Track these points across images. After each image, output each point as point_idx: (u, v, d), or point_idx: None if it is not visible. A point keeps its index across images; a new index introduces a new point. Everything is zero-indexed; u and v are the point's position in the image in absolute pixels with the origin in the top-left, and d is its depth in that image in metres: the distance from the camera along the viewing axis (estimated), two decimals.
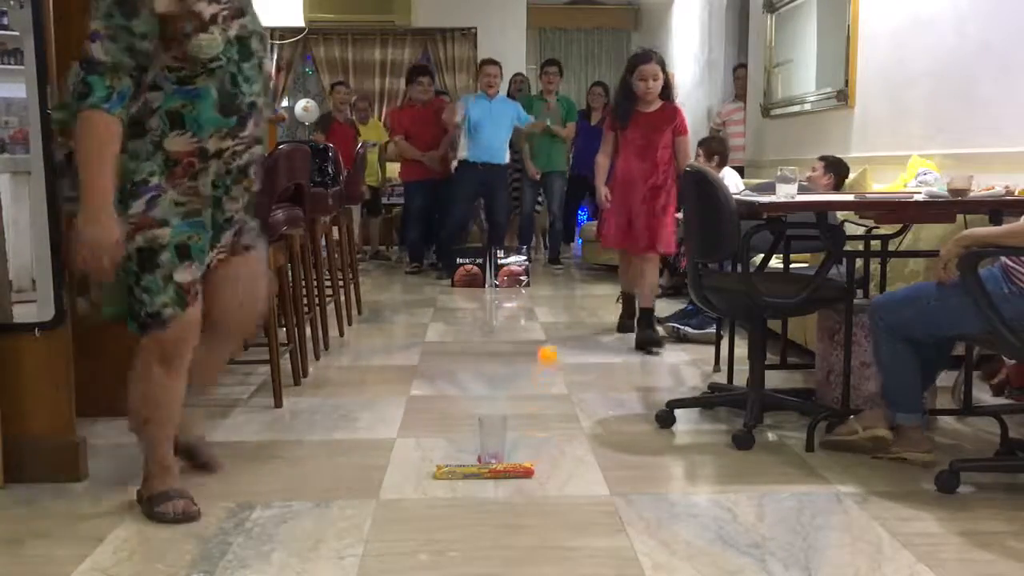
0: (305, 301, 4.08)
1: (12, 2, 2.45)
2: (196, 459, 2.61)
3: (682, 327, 4.61)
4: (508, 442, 2.76)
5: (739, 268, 3.01)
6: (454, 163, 7.10)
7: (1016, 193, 3.11)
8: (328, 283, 4.76)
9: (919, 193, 3.22)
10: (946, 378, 3.15)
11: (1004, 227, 2.52)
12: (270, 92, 2.44)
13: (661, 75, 4.40)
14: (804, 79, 6.19)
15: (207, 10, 2.15)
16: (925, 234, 3.70)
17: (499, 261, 6.66)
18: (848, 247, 3.08)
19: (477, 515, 2.35)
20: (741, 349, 3.64)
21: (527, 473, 2.61)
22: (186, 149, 2.20)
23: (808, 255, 4.10)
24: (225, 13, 2.19)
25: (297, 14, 6.99)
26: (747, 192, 3.80)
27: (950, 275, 2.48)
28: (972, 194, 3.03)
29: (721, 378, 3.74)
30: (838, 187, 4.65)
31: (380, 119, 9.23)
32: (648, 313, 4.48)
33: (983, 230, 2.52)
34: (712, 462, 2.80)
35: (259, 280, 2.50)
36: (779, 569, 2.03)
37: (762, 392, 3.10)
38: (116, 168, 2.12)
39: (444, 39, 9.80)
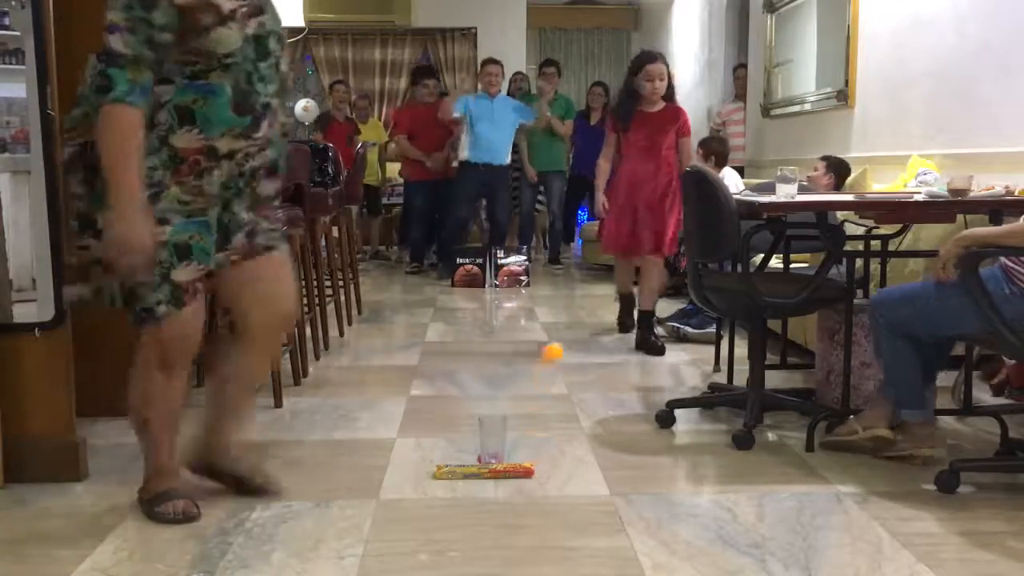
0: (305, 301, 4.08)
1: (13, 2, 2.45)
2: (246, 487, 2.45)
3: (682, 327, 4.61)
4: (508, 442, 2.76)
5: (739, 268, 3.01)
6: (455, 163, 7.10)
7: (1016, 193, 3.11)
8: (328, 283, 4.76)
9: (919, 193, 3.22)
10: (946, 378, 3.15)
11: (1004, 227, 2.52)
12: (286, 93, 2.40)
13: (667, 75, 4.40)
14: (804, 79, 6.19)
15: (226, 4, 2.11)
16: (925, 234, 3.70)
17: (499, 261, 6.65)
18: (848, 247, 3.08)
19: (477, 515, 2.35)
20: (741, 349, 3.64)
21: (527, 473, 2.61)
22: (193, 146, 2.15)
23: (808, 255, 4.10)
24: (244, 10, 2.15)
25: (297, 14, 6.98)
26: (747, 192, 3.81)
27: (949, 275, 2.48)
28: (972, 194, 3.03)
29: (721, 378, 3.74)
30: (839, 188, 4.65)
31: (380, 119, 9.24)
32: (648, 316, 4.45)
33: (983, 230, 2.52)
34: (712, 462, 2.80)
35: (281, 282, 2.40)
36: (779, 569, 2.03)
37: (762, 392, 3.10)
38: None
39: (444, 39, 9.79)
